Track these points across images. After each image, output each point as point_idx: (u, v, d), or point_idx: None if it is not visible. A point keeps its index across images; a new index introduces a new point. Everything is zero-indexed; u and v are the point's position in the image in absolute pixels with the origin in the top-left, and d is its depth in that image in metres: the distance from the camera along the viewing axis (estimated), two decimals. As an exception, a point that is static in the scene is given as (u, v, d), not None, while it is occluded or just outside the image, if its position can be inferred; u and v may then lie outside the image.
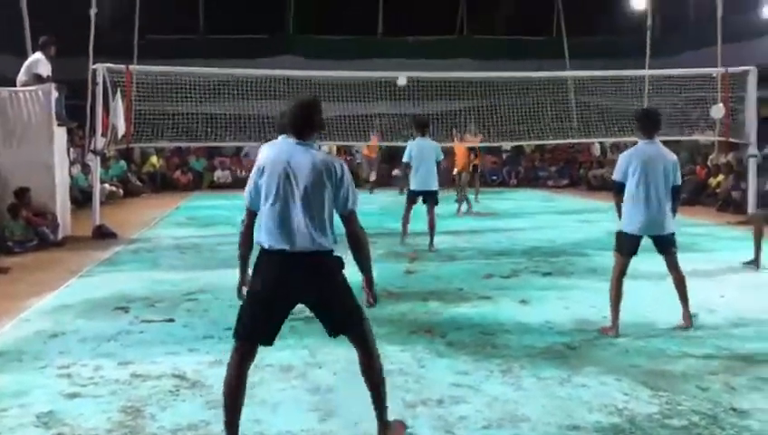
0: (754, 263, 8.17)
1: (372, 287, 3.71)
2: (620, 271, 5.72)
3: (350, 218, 3.56)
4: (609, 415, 3.93)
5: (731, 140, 14.01)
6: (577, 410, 4.01)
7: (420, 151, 9.75)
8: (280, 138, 3.67)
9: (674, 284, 5.80)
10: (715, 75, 14.00)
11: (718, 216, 13.29)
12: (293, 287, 3.47)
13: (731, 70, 13.50)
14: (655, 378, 4.51)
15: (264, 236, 3.50)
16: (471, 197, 14.63)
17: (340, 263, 3.56)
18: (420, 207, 9.92)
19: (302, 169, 3.47)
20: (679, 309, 5.77)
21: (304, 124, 3.57)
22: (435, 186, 9.74)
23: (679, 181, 5.68)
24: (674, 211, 5.78)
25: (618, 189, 5.80)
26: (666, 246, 5.73)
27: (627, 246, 5.69)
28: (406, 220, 9.94)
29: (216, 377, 4.52)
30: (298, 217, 3.44)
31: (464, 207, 14.01)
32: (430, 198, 9.75)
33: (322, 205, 3.48)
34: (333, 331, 3.65)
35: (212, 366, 4.77)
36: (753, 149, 12.72)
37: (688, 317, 5.70)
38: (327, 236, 3.50)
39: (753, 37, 18.77)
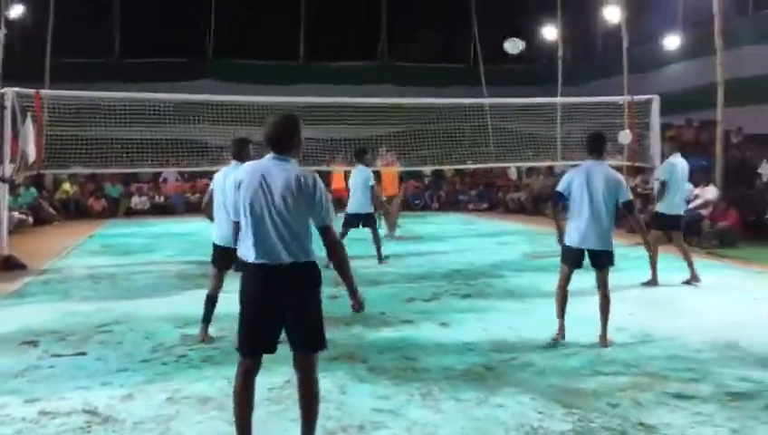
0: (652, 282, 8.66)
1: (356, 294, 3.84)
2: (564, 280, 6.11)
3: (326, 232, 3.65)
4: (524, 434, 4.03)
5: (637, 164, 14.69)
6: (494, 430, 4.10)
7: (353, 178, 10.85)
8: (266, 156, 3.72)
9: (599, 301, 6.05)
10: (621, 103, 14.70)
11: (626, 236, 13.86)
12: (276, 299, 3.56)
13: (636, 98, 14.22)
14: (568, 396, 4.66)
15: (243, 251, 3.62)
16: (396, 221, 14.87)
17: (317, 276, 3.68)
18: (352, 232, 10.53)
19: (276, 184, 3.54)
20: (591, 329, 5.99)
21: (281, 140, 3.65)
22: (368, 209, 10.66)
23: (627, 198, 6.00)
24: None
25: (555, 200, 6.15)
26: (599, 261, 5.98)
27: (569, 257, 6.04)
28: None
29: (129, 411, 4.41)
30: (274, 231, 3.52)
31: (384, 230, 14.15)
32: (365, 221, 10.70)
33: (298, 218, 3.56)
34: (292, 345, 3.70)
35: (125, 400, 4.62)
36: (657, 173, 13.37)
37: (605, 338, 5.93)
38: (304, 249, 3.57)
39: (656, 68, 19.88)
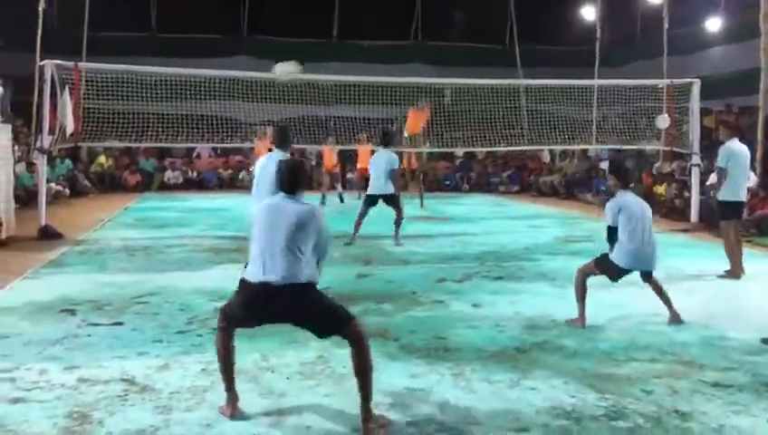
0: (733, 273, 8.26)
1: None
2: (588, 275, 6.23)
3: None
4: (556, 417, 4.02)
5: (675, 149, 14.43)
6: (526, 412, 4.09)
7: (375, 160, 10.78)
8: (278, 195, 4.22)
9: (652, 290, 6.29)
10: (660, 86, 14.41)
11: (662, 223, 13.69)
12: (271, 313, 4.02)
13: (676, 81, 13.92)
14: (602, 381, 4.63)
15: (248, 272, 4.03)
16: (417, 201, 14.98)
17: (313, 286, 4.04)
18: (374, 212, 10.50)
19: (286, 217, 3.99)
20: (625, 315, 5.92)
21: (292, 183, 4.15)
22: (386, 190, 10.56)
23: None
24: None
25: (610, 237, 6.18)
26: (649, 275, 6.28)
27: (614, 272, 6.19)
28: (359, 218, 10.61)
29: (166, 381, 4.48)
30: (278, 256, 3.92)
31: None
32: (387, 201, 10.61)
33: (303, 246, 3.96)
34: (322, 334, 4.10)
35: (161, 370, 4.70)
36: (695, 159, 13.13)
37: (676, 313, 6.15)
38: (302, 271, 3.94)
39: (698, 50, 19.44)
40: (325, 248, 4.14)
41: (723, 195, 8.44)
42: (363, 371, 3.91)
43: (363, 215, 10.60)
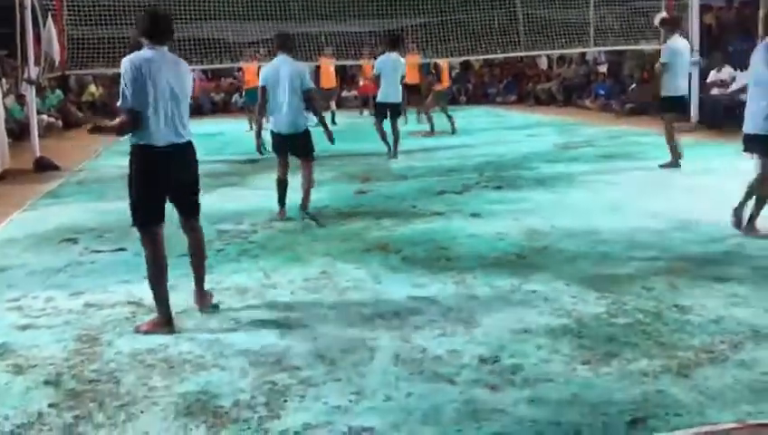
0: (673, 163, 8.83)
1: None
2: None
3: None
4: (558, 317, 4.07)
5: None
6: (528, 314, 4.14)
7: (384, 66, 10.38)
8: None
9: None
10: (659, -17, 13.99)
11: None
12: None
13: (675, -23, 13.50)
14: (601, 281, 4.68)
15: None
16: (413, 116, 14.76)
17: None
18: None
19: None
20: (625, 216, 5.93)
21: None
22: (396, 98, 10.42)
23: None
24: None
25: None
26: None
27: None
28: (381, 132, 10.54)
29: (172, 302, 4.52)
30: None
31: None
32: (392, 111, 10.46)
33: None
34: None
35: (169, 291, 4.74)
36: (695, 57, 12.86)
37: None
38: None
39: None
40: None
41: (666, 90, 8.80)
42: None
43: (380, 129, 10.45)
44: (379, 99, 10.56)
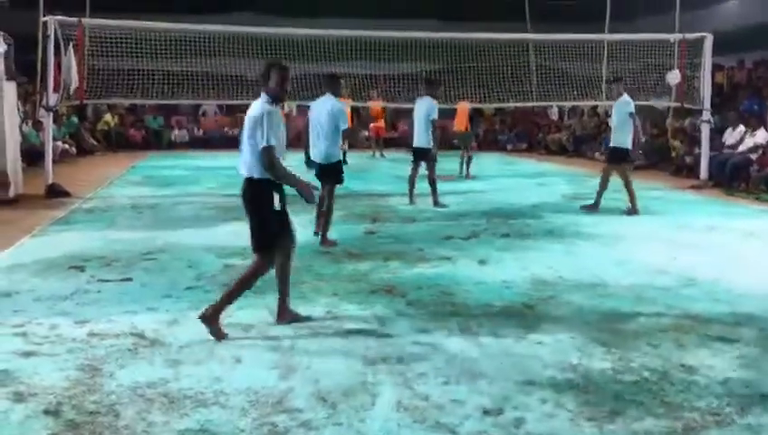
0: (594, 207, 9.60)
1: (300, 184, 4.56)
2: None
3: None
4: (563, 371, 4.03)
5: (686, 105, 14.25)
6: (533, 366, 4.11)
7: (416, 109, 10.30)
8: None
9: None
10: (672, 41, 14.16)
11: (672, 180, 13.60)
12: None
13: (688, 36, 13.67)
14: (608, 335, 4.64)
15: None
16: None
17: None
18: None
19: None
20: (632, 271, 5.92)
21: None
22: (419, 143, 10.18)
23: None
24: None
25: None
26: None
27: None
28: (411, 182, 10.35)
29: (175, 336, 4.52)
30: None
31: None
32: (419, 155, 10.24)
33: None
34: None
35: (171, 325, 4.74)
36: (706, 115, 12.96)
37: None
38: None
39: (711, 4, 19.06)
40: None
41: (624, 142, 9.53)
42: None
43: (415, 171, 10.22)
44: (414, 144, 10.32)
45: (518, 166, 16.78)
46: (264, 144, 4.38)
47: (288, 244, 4.71)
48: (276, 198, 4.50)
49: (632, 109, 9.51)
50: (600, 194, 9.65)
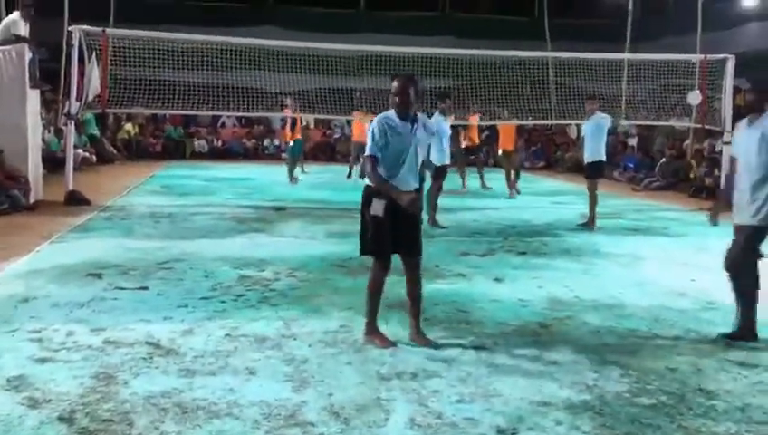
0: (590, 223, 9.92)
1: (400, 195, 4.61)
2: None
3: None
4: (579, 392, 3.99)
5: (706, 126, 14.15)
6: (548, 386, 4.07)
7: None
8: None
9: None
10: (693, 62, 14.09)
11: (690, 202, 13.48)
12: None
13: (710, 57, 13.59)
14: (625, 357, 4.59)
15: None
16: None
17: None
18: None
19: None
20: (650, 292, 5.85)
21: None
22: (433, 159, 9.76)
23: None
24: None
25: None
26: None
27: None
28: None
29: (190, 345, 4.53)
30: None
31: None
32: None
33: None
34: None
35: (185, 335, 4.75)
36: (727, 137, 12.85)
37: None
38: None
39: (733, 25, 18.95)
40: None
41: (600, 155, 10.18)
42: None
43: (439, 189, 9.87)
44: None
45: (535, 183, 16.72)
46: (367, 153, 4.70)
47: (380, 256, 4.78)
48: (377, 204, 4.60)
49: (610, 123, 10.35)
50: (592, 209, 10.01)
